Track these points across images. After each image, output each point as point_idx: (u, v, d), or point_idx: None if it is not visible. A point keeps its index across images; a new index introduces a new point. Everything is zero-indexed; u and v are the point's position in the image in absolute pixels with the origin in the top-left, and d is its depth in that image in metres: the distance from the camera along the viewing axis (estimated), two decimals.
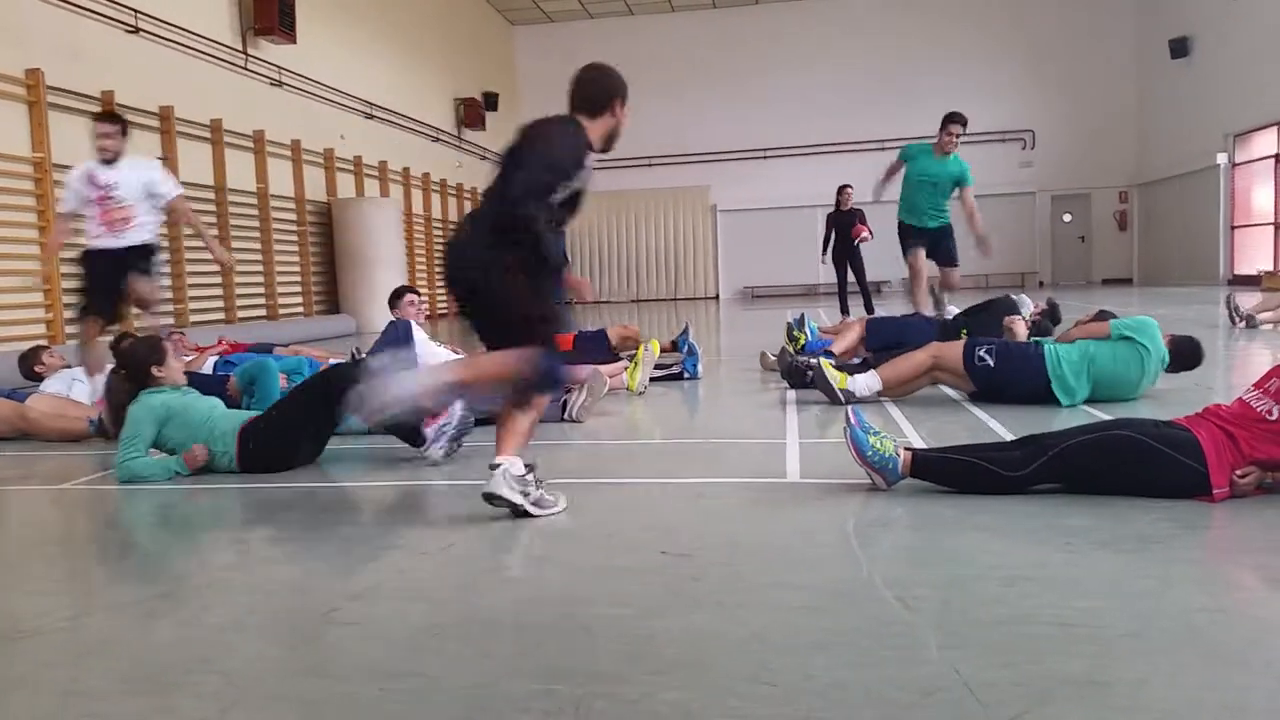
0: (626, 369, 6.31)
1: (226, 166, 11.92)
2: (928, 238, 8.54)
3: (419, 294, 6.93)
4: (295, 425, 4.21)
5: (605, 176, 24.22)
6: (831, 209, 12.82)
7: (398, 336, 5.66)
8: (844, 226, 12.46)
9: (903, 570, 2.55)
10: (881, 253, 11.79)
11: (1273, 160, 17.21)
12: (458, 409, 4.20)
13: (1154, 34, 21.19)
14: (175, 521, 3.59)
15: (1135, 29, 22.26)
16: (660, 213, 24.62)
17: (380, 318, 13.09)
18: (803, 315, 7.99)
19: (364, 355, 5.48)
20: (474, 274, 3.15)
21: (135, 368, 4.25)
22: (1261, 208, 17.78)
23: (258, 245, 12.73)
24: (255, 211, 12.70)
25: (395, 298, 6.72)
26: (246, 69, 12.61)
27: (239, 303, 12.16)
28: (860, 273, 12.53)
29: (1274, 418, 3.01)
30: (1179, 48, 19.81)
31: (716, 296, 24.35)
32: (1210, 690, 1.77)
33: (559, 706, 1.79)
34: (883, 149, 23.10)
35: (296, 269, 13.80)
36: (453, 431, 4.21)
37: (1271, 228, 17.28)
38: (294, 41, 13.14)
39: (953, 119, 8.33)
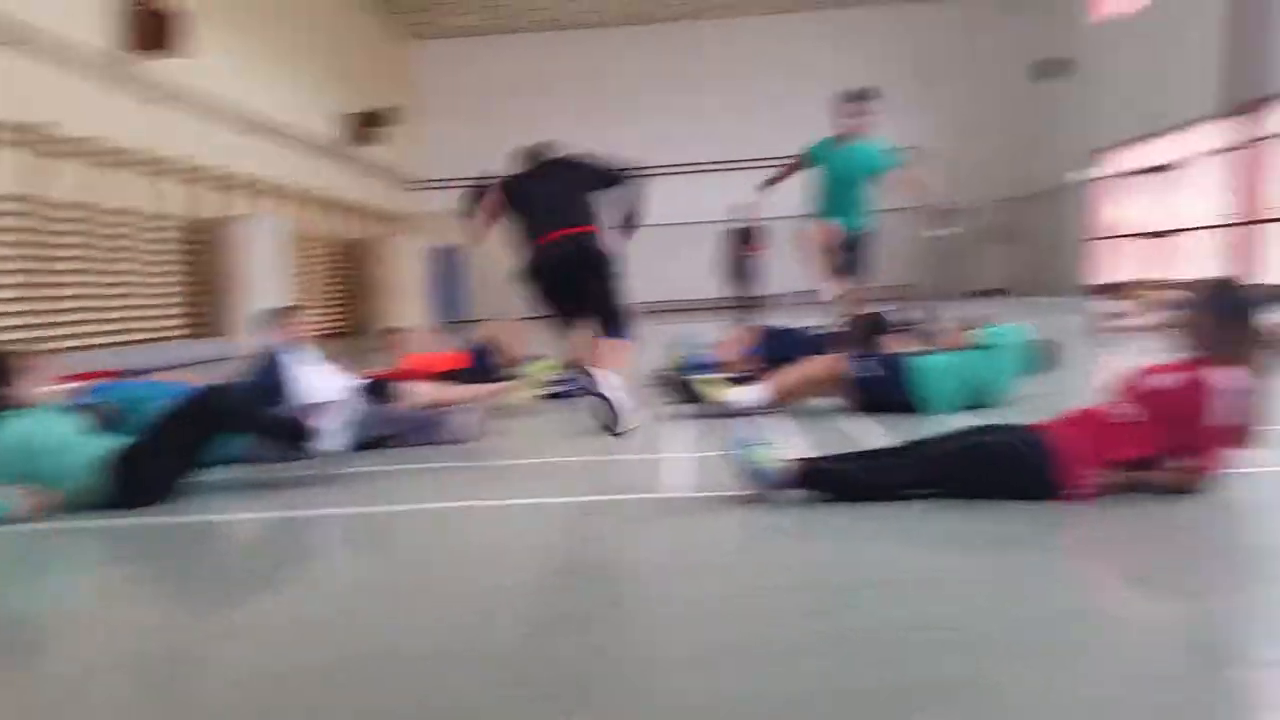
0: (511, 387, 6.26)
1: (100, 183, 11.39)
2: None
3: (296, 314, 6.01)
4: (176, 452, 3.96)
5: None
6: (731, 226, 13.81)
7: (267, 369, 5.13)
8: (739, 243, 13.49)
9: (784, 580, 2.60)
10: (783, 268, 12.20)
11: (1129, 176, 18.27)
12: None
13: (1020, 55, 22.27)
14: (28, 564, 3.38)
15: (1001, 50, 23.33)
16: None
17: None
18: (685, 331, 8.08)
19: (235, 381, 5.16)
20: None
21: None
22: (1120, 221, 18.86)
23: (134, 265, 12.19)
24: (128, 230, 12.16)
25: (272, 318, 5.76)
26: (129, 84, 12.09)
27: (108, 327, 11.60)
28: (754, 287, 13.47)
29: (1129, 419, 3.19)
30: (1043, 69, 20.90)
31: None
32: (1072, 689, 1.85)
33: None
34: (766, 167, 23.63)
35: (175, 290, 13.26)
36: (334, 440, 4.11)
37: (1128, 240, 18.33)
38: (179, 56, 12.66)
39: (846, 98, 7.18)
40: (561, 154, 5.72)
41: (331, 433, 4.13)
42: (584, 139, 25.87)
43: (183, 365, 10.40)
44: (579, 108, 23.61)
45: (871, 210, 7.47)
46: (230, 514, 3.83)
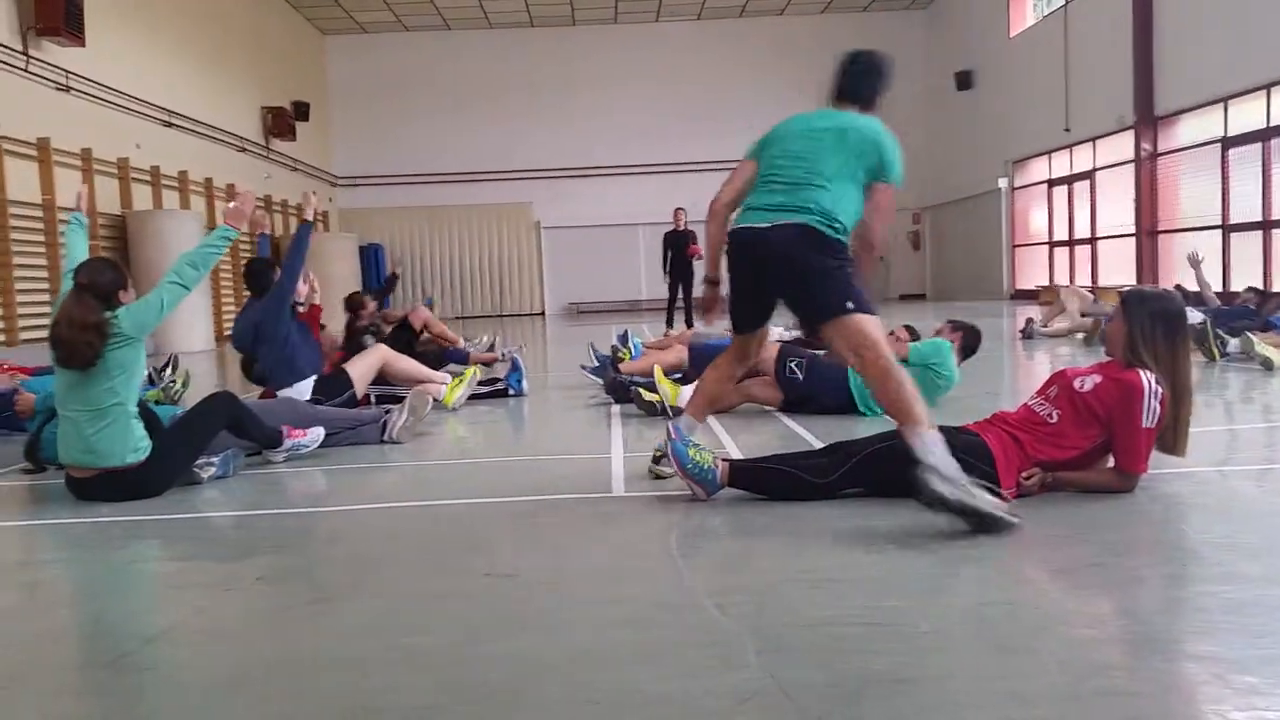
0: (448, 385, 6.20)
1: (7, 177, 10.94)
2: None
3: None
4: (194, 448, 4.08)
5: (425, 191, 23.77)
6: (669, 229, 13.99)
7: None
8: (679, 246, 13.67)
9: (721, 579, 2.61)
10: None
11: (1045, 185, 18.86)
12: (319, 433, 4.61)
13: (942, 67, 22.79)
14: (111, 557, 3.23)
15: (925, 62, 23.86)
16: (483, 229, 24.35)
17: (178, 339, 12.36)
18: (626, 332, 8.08)
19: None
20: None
21: None
22: (1038, 228, 19.43)
23: (44, 262, 11.73)
24: (41, 225, 11.70)
25: (267, 269, 6.07)
26: (27, 71, 11.62)
27: (20, 324, 11.15)
28: (690, 290, 13.60)
29: (1054, 421, 3.28)
30: (964, 80, 21.41)
31: (543, 312, 24.31)
32: (1002, 680, 1.89)
33: None
34: (701, 171, 23.78)
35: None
36: (303, 452, 4.53)
37: (1047, 246, 18.91)
38: (83, 44, 12.20)
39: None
40: None
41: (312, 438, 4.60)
42: (503, 140, 25.81)
43: None
44: (498, 108, 23.48)
45: None
46: (155, 512, 3.69)
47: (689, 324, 12.87)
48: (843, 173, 3.27)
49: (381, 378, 6.18)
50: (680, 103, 23.82)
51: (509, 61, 23.77)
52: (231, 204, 4.29)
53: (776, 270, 3.28)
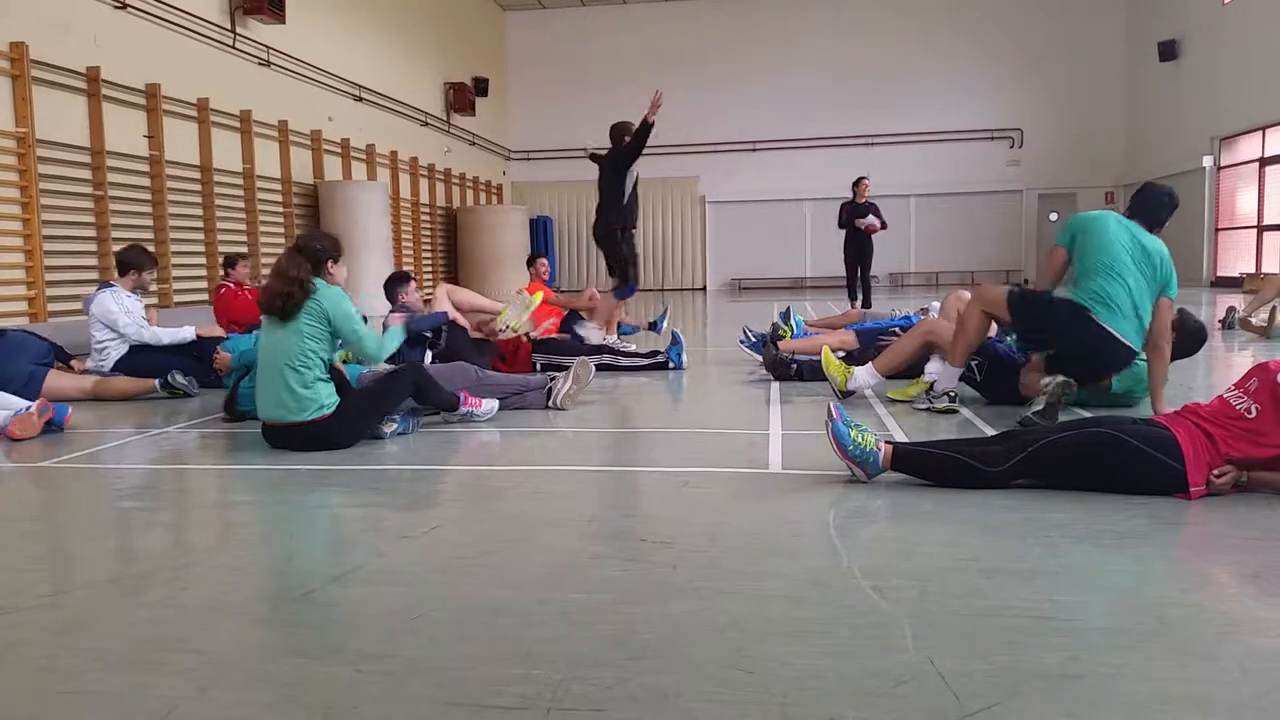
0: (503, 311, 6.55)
1: (213, 146, 11.84)
2: None
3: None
4: (380, 410, 4.42)
5: (594, 166, 24.12)
6: (847, 200, 12.86)
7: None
8: (857, 218, 12.60)
9: (880, 561, 2.57)
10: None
11: (1257, 164, 17.33)
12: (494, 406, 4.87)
13: (1144, 36, 21.26)
14: (159, 500, 3.57)
15: (1125, 30, 22.34)
16: (649, 203, 24.56)
17: (366, 303, 13.08)
18: (789, 309, 8.01)
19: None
20: None
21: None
22: (1245, 211, 17.90)
23: (243, 226, 12.65)
24: (241, 192, 12.62)
25: (396, 283, 6.45)
26: (235, 48, 12.50)
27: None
28: (866, 266, 12.73)
29: (1252, 416, 3.04)
30: (1168, 50, 19.88)
31: (704, 288, 24.35)
32: (1179, 684, 1.79)
33: (536, 691, 1.80)
34: (871, 144, 23.16)
35: (282, 250, 13.72)
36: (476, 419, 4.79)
37: (1255, 231, 17.42)
38: (283, 21, 13.04)
39: None
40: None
41: (486, 409, 4.83)
42: (673, 114, 25.66)
43: None
44: (668, 81, 23.45)
45: None
46: (342, 463, 3.96)
47: (866, 304, 12.27)
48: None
49: (547, 347, 6.50)
50: (852, 75, 23.22)
51: (681, 35, 23.77)
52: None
53: None
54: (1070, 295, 4.40)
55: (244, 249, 12.71)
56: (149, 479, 3.88)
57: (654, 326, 8.94)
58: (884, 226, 12.68)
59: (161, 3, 10.97)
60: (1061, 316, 4.38)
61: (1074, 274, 4.52)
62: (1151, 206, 4.64)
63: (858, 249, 12.75)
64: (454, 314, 6.26)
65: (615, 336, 7.70)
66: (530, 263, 8.85)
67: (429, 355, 6.02)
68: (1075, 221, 4.62)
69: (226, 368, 5.82)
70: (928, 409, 4.78)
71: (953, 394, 4.78)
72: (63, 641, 2.14)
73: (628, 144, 7.53)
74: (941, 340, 5.03)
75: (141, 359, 6.31)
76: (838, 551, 2.64)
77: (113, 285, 6.58)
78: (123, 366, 6.32)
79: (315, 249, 4.29)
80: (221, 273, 9.01)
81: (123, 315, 6.39)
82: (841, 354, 6.04)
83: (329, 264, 4.34)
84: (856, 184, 12.79)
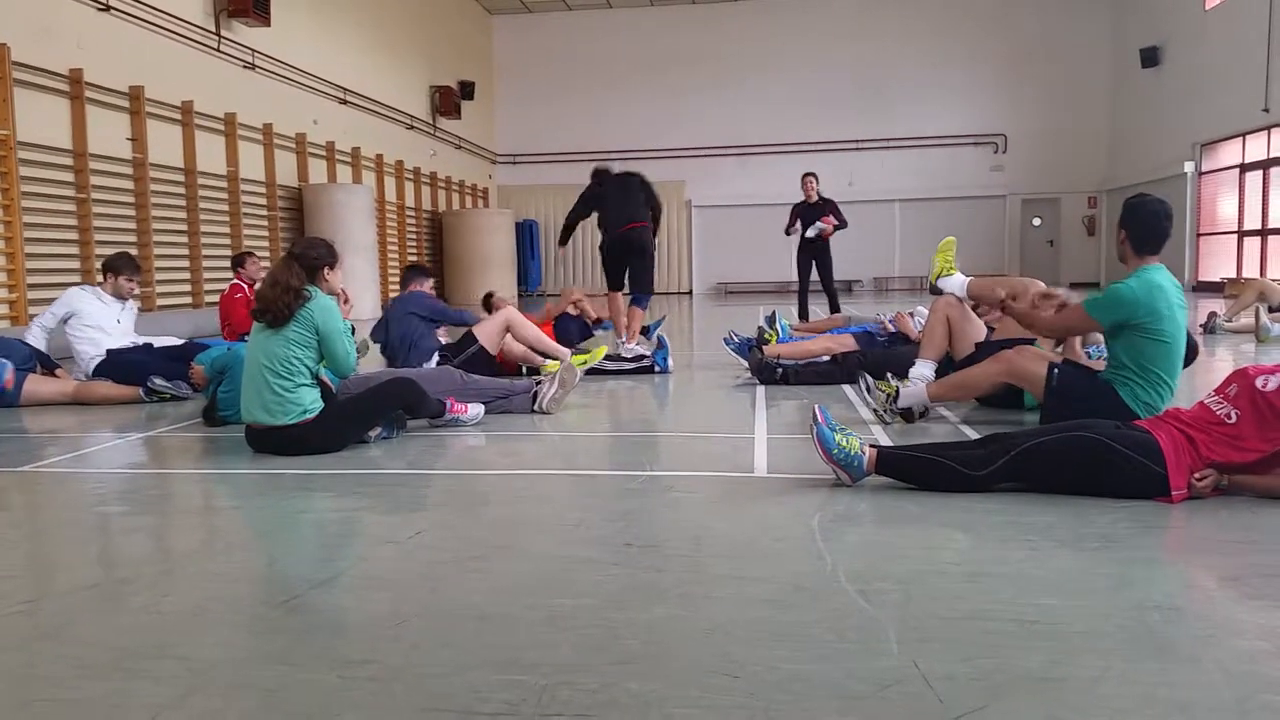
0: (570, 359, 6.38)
1: (197, 149, 11.78)
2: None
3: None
4: (366, 419, 4.41)
5: (581, 169, 24.06)
6: (799, 201, 11.38)
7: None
8: (811, 220, 11.12)
9: (865, 565, 2.58)
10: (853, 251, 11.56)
11: (1237, 170, 17.50)
12: (479, 410, 4.88)
13: (1126, 42, 21.44)
14: (141, 505, 3.54)
15: (1108, 37, 22.52)
16: None
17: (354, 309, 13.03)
18: (774, 313, 8.02)
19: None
20: None
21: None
22: (1226, 216, 18.07)
23: (227, 230, 12.59)
24: (225, 195, 12.56)
25: (414, 274, 6.61)
26: (219, 50, 12.45)
27: (205, 287, 12.02)
28: (828, 274, 11.24)
29: (1232, 421, 3.07)
30: (1150, 57, 20.05)
31: (690, 292, 24.38)
32: (1161, 687, 1.80)
33: (521, 696, 1.79)
34: (856, 149, 23.26)
35: (266, 254, 13.67)
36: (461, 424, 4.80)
37: (1235, 236, 17.58)
38: (268, 24, 13.00)
39: None
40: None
41: (471, 415, 4.85)
42: (659, 118, 25.77)
43: None
44: (655, 86, 23.57)
45: None
46: (326, 467, 3.94)
47: (834, 309, 10.82)
48: None
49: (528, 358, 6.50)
50: (838, 80, 23.33)
51: (667, 40, 23.83)
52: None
53: None
54: (1122, 395, 3.86)
55: (227, 252, 12.66)
56: (131, 483, 3.86)
57: (647, 332, 8.75)
58: (842, 225, 11.04)
59: (145, 5, 10.92)
60: (1100, 408, 3.75)
61: (1122, 355, 3.91)
62: (1155, 232, 3.93)
63: (812, 256, 11.19)
64: (493, 337, 6.27)
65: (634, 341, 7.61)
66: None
67: (435, 358, 6.03)
68: (1139, 303, 3.78)
69: (203, 380, 5.70)
70: (874, 410, 4.70)
71: (916, 412, 4.57)
72: (43, 648, 2.12)
73: (655, 209, 7.70)
74: (1020, 377, 4.25)
75: (120, 365, 6.27)
76: (822, 555, 2.64)
77: (95, 287, 6.58)
78: (103, 372, 6.27)
79: (311, 257, 4.28)
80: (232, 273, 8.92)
81: (53, 308, 6.44)
82: (831, 358, 6.08)
83: (325, 271, 4.32)
84: (803, 181, 11.21)
